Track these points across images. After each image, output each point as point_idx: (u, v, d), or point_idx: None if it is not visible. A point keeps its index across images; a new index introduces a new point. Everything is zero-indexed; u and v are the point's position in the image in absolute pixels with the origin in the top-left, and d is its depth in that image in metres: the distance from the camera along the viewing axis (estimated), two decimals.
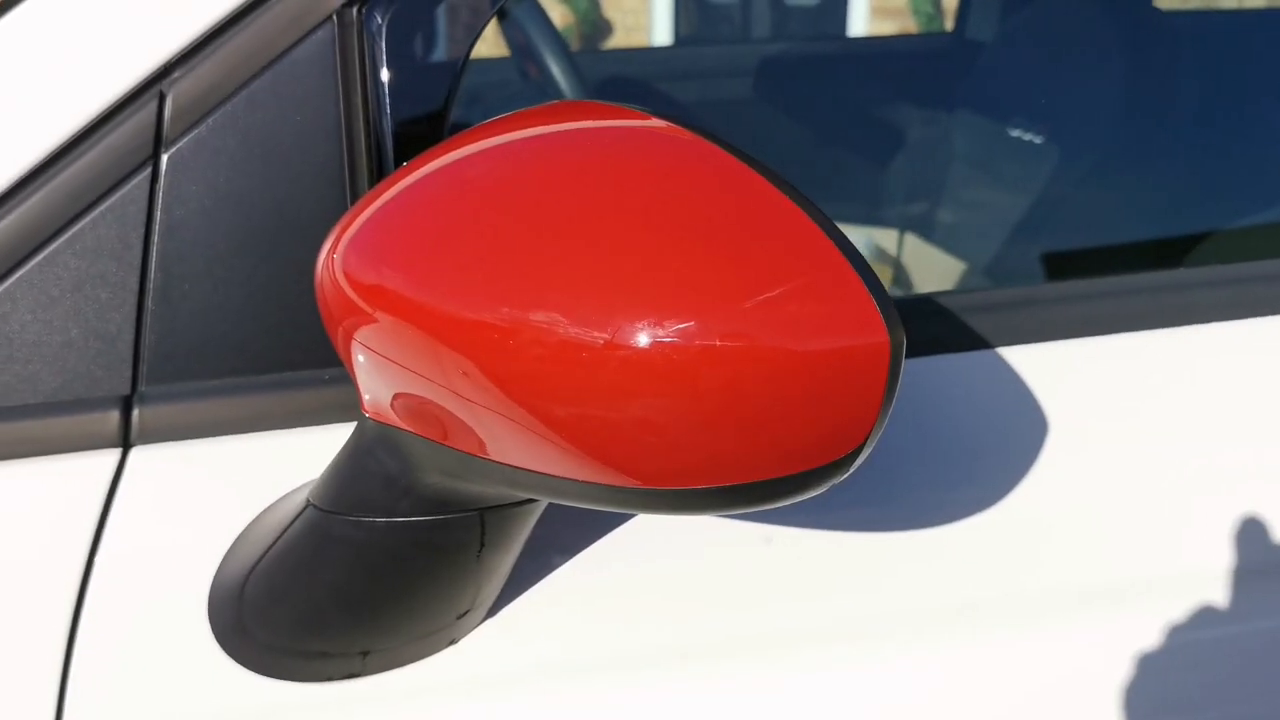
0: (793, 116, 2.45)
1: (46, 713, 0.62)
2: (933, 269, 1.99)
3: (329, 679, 0.65)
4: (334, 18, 0.68)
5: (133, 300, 0.66)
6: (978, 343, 0.76)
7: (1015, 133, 2.06)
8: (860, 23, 6.22)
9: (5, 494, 0.65)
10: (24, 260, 0.65)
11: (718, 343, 0.46)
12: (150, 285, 0.67)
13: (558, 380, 0.48)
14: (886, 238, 2.12)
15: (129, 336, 0.67)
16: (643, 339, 0.46)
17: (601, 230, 0.48)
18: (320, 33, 0.68)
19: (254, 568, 0.63)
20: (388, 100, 0.69)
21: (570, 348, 0.47)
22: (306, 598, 0.63)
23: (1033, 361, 0.75)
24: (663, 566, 0.69)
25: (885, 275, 1.92)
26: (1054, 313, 0.77)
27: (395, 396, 0.56)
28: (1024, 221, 1.87)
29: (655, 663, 0.67)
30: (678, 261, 0.46)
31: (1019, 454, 0.73)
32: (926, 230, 2.15)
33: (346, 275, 0.56)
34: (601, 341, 0.47)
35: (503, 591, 0.68)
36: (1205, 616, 0.71)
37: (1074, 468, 0.73)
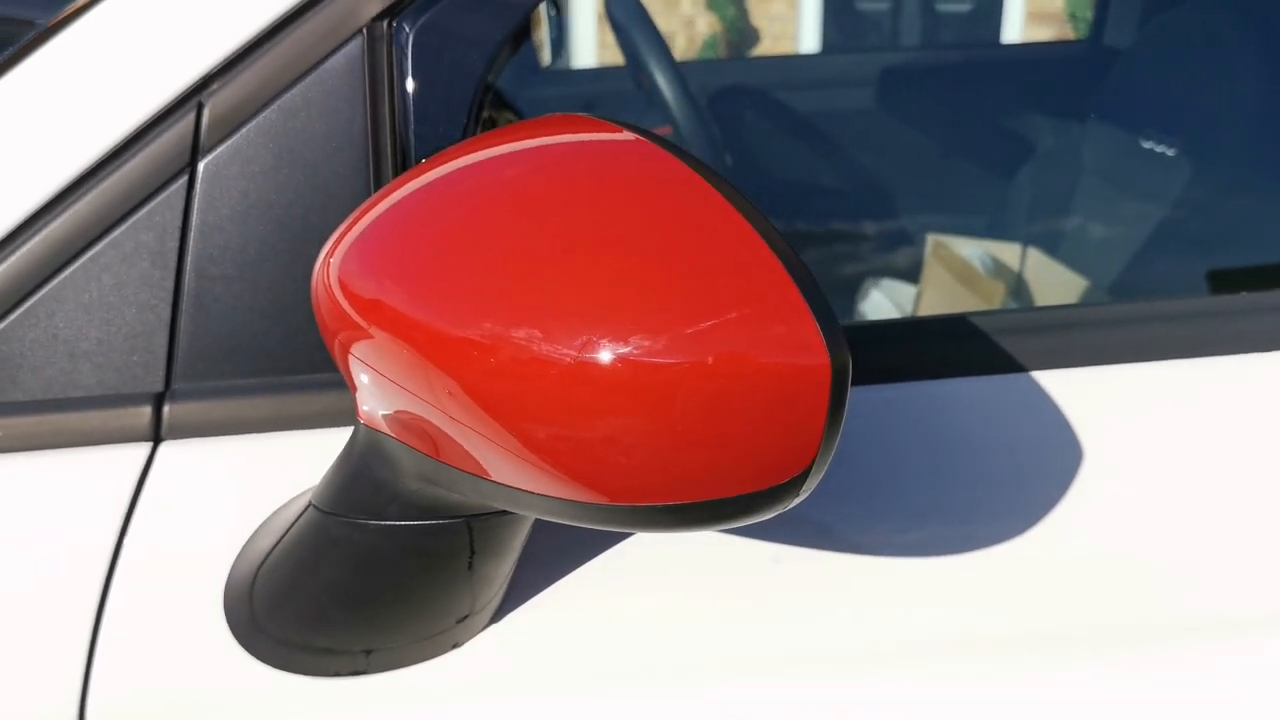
0: (918, 126, 2.40)
1: (73, 686, 0.65)
2: (1055, 285, 1.92)
3: (336, 674, 0.66)
4: (364, 31, 0.70)
5: (168, 301, 0.70)
6: (1019, 365, 0.73)
7: (1149, 144, 1.98)
8: (1015, 29, 6.04)
9: (44, 481, 0.68)
10: (70, 261, 0.69)
11: (658, 361, 0.45)
12: (185, 287, 0.70)
13: (499, 388, 0.49)
14: (1008, 252, 2.06)
15: (163, 336, 0.70)
16: (582, 355, 0.46)
17: (564, 249, 0.48)
18: (350, 45, 0.70)
19: (263, 563, 0.65)
20: (413, 110, 0.70)
21: (525, 364, 0.48)
22: (310, 595, 0.65)
23: (1076, 387, 0.72)
24: (670, 579, 0.69)
25: (999, 291, 1.87)
26: (1101, 336, 0.73)
27: (380, 410, 0.57)
28: (1154, 238, 1.80)
29: (658, 675, 0.67)
30: (622, 280, 0.46)
31: (1055, 482, 0.70)
32: (1051, 245, 2.08)
33: (341, 286, 0.57)
34: (561, 357, 0.47)
35: (508, 597, 0.69)
36: (1244, 663, 0.66)
37: (1111, 499, 0.69)
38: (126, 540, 0.67)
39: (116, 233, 0.69)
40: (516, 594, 0.69)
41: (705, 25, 6.49)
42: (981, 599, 0.68)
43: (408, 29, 0.70)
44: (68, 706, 0.65)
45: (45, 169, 0.69)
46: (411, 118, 0.70)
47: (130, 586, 0.67)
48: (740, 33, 6.52)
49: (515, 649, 0.68)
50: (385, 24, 0.70)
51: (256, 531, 0.68)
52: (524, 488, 0.52)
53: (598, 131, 0.53)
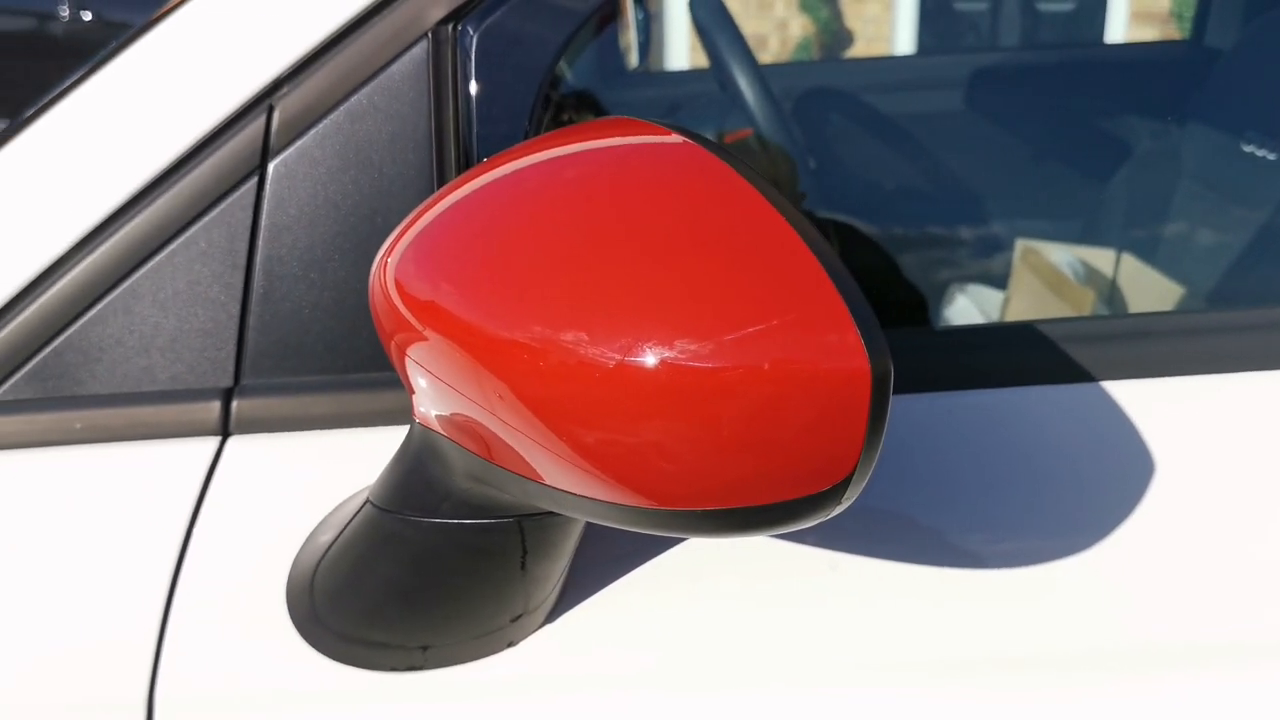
0: (1010, 129, 2.36)
1: (143, 672, 0.67)
2: (1149, 292, 1.87)
3: (393, 669, 0.67)
4: (429, 34, 0.71)
5: (238, 299, 0.71)
6: (1088, 375, 0.71)
7: (1251, 148, 1.92)
8: (1119, 29, 5.88)
9: (119, 473, 0.71)
10: (147, 258, 0.71)
11: (698, 365, 0.45)
12: (254, 286, 0.71)
13: (549, 391, 0.49)
14: (1101, 258, 2.01)
15: (233, 333, 0.71)
16: (625, 358, 0.46)
17: (608, 253, 0.49)
18: (416, 49, 0.71)
19: (323, 558, 0.67)
20: (476, 112, 0.71)
21: (570, 368, 0.48)
22: (367, 590, 0.66)
23: (1148, 398, 0.70)
24: (726, 584, 0.69)
25: (1088, 298, 1.82)
26: (1173, 346, 0.71)
27: (433, 410, 0.58)
28: (1254, 244, 1.74)
29: (710, 682, 0.66)
30: (664, 285, 0.46)
31: (1123, 498, 0.68)
32: (1146, 252, 2.02)
33: (396, 289, 0.58)
34: (605, 361, 0.47)
35: (564, 597, 0.69)
36: None
37: (1181, 515, 0.67)
38: (195, 532, 0.69)
39: (190, 231, 0.71)
40: (572, 594, 0.69)
41: (798, 28, 6.45)
42: (1041, 614, 0.66)
43: (472, 32, 0.71)
44: (138, 692, 0.67)
45: (126, 168, 0.72)
46: (475, 119, 0.71)
47: (198, 577, 0.69)
48: (834, 35, 6.46)
49: (569, 649, 0.68)
50: (450, 28, 0.71)
51: (318, 526, 0.69)
52: (569, 490, 0.52)
53: (647, 134, 0.53)
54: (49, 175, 0.72)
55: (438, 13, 0.71)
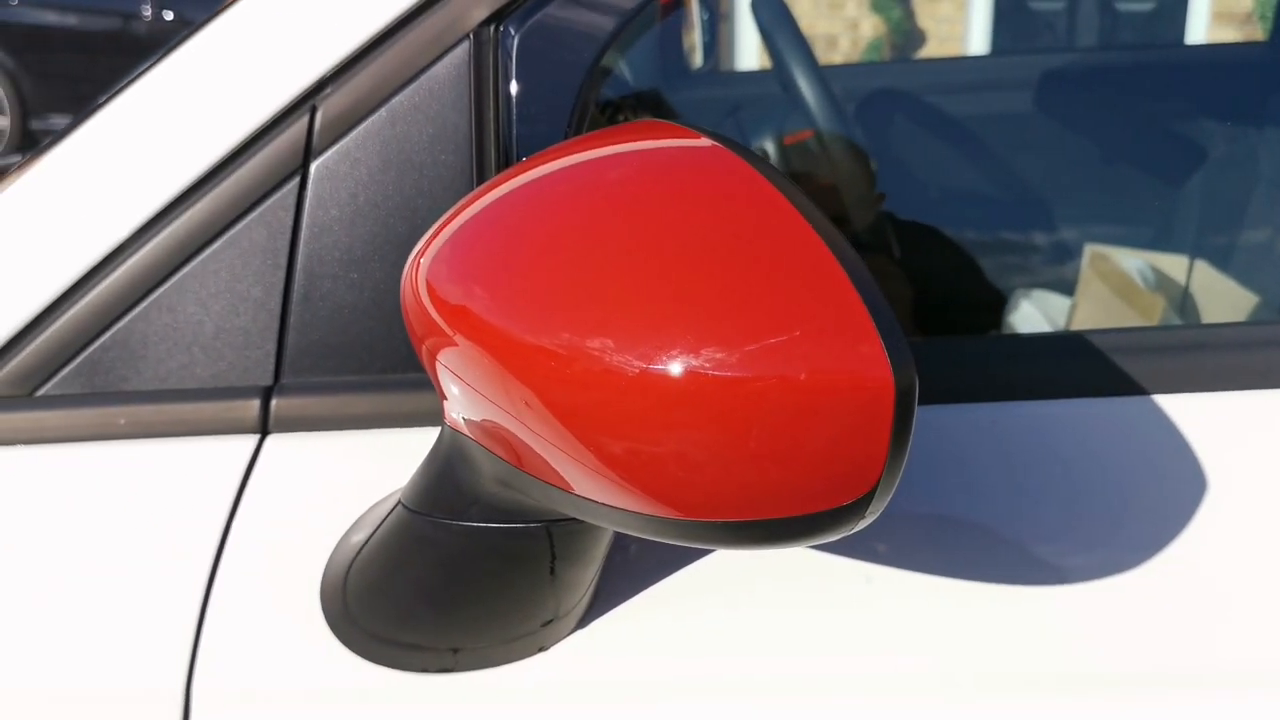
0: (1081, 131, 2.31)
1: (181, 664, 0.68)
2: (1223, 301, 1.82)
3: (424, 670, 0.67)
4: (471, 36, 0.71)
5: (279, 298, 0.72)
6: (1138, 388, 0.68)
7: None
8: (1200, 29, 5.73)
9: (160, 468, 0.71)
10: (191, 257, 0.72)
11: (718, 375, 0.44)
12: (295, 285, 0.72)
13: (574, 399, 0.48)
14: (1174, 265, 1.96)
15: (274, 332, 0.72)
16: (647, 367, 0.45)
17: (632, 258, 0.48)
18: (457, 50, 0.71)
19: (355, 558, 0.67)
20: (516, 113, 0.71)
21: (595, 375, 0.48)
22: (398, 591, 0.66)
23: (1200, 413, 0.67)
24: (760, 594, 0.68)
25: (1158, 306, 1.77)
26: (1229, 359, 0.68)
27: (462, 415, 0.58)
28: None
29: (742, 692, 0.65)
30: (685, 293, 0.46)
31: (1170, 515, 0.66)
32: (1221, 259, 1.97)
33: (427, 292, 0.58)
34: (627, 369, 0.47)
35: (596, 603, 0.68)
36: None
37: (1229, 537, 0.64)
38: (232, 528, 0.70)
39: (233, 231, 0.72)
40: (604, 601, 0.69)
41: (869, 28, 6.38)
42: (1081, 634, 0.64)
43: (513, 33, 0.71)
44: (176, 683, 0.67)
45: (174, 167, 0.73)
46: (515, 121, 0.71)
47: (235, 573, 0.69)
48: (905, 35, 6.38)
49: (601, 656, 0.67)
50: (491, 29, 0.71)
51: (353, 526, 0.69)
52: (593, 498, 0.51)
53: (677, 138, 0.52)
54: (98, 174, 0.74)
55: (480, 14, 0.71)
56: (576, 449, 0.50)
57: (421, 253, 0.59)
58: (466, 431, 0.59)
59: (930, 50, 6.40)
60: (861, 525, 0.47)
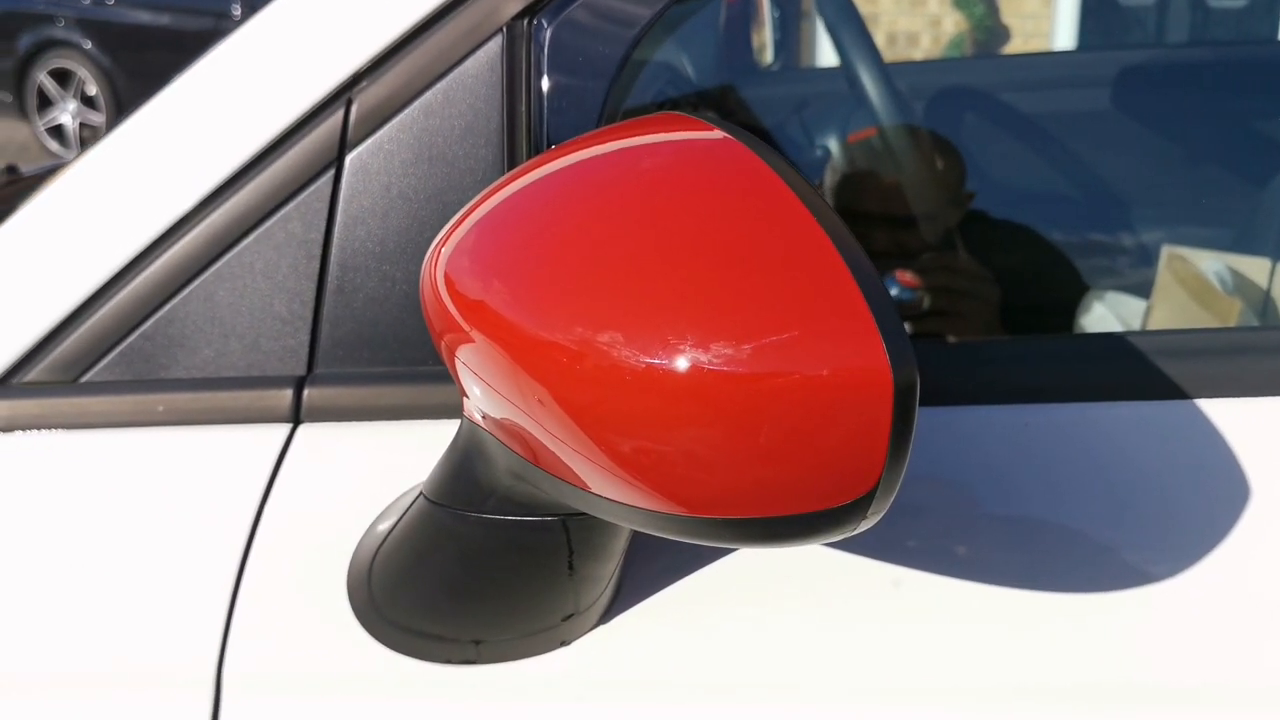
0: (1160, 129, 2.24)
1: (212, 648, 0.69)
2: None
3: (448, 661, 0.68)
4: (504, 29, 0.71)
5: (313, 289, 0.73)
6: (1180, 392, 0.66)
7: None
8: None
9: (193, 456, 0.73)
10: (229, 248, 0.73)
11: (717, 370, 0.44)
12: (329, 276, 0.72)
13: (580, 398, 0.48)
14: (1255, 267, 1.89)
15: (308, 322, 0.73)
16: (650, 363, 0.45)
17: (635, 253, 0.48)
18: (491, 43, 0.71)
19: (380, 548, 0.67)
20: (548, 106, 0.70)
21: (595, 371, 0.47)
22: (421, 582, 0.66)
23: (1244, 418, 0.65)
24: (784, 596, 0.67)
25: (1236, 310, 1.72)
26: (1276, 364, 0.65)
27: (477, 409, 0.58)
28: None
29: (764, 693, 0.65)
30: (686, 289, 0.45)
31: (1208, 524, 0.63)
32: None
33: (446, 287, 0.58)
34: (633, 364, 0.46)
35: (620, 599, 0.68)
36: None
37: (1267, 547, 0.62)
38: (263, 517, 0.71)
39: (270, 222, 0.73)
40: (627, 596, 0.68)
41: (951, 24, 6.29)
42: (1120, 643, 0.62)
43: (546, 26, 0.71)
44: (207, 668, 0.69)
45: (215, 158, 0.74)
46: (546, 114, 0.71)
47: (265, 560, 0.70)
48: (989, 31, 6.27)
49: (622, 652, 0.67)
50: (525, 22, 0.71)
51: (379, 516, 0.70)
52: (599, 493, 0.51)
53: (691, 130, 0.51)
54: (141, 168, 0.75)
55: (513, 7, 0.71)
56: (584, 444, 0.50)
57: (436, 251, 0.59)
58: (482, 424, 0.59)
59: (1014, 47, 6.28)
60: (864, 526, 0.46)
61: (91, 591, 0.70)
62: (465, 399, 0.60)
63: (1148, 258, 2.07)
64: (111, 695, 0.68)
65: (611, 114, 0.71)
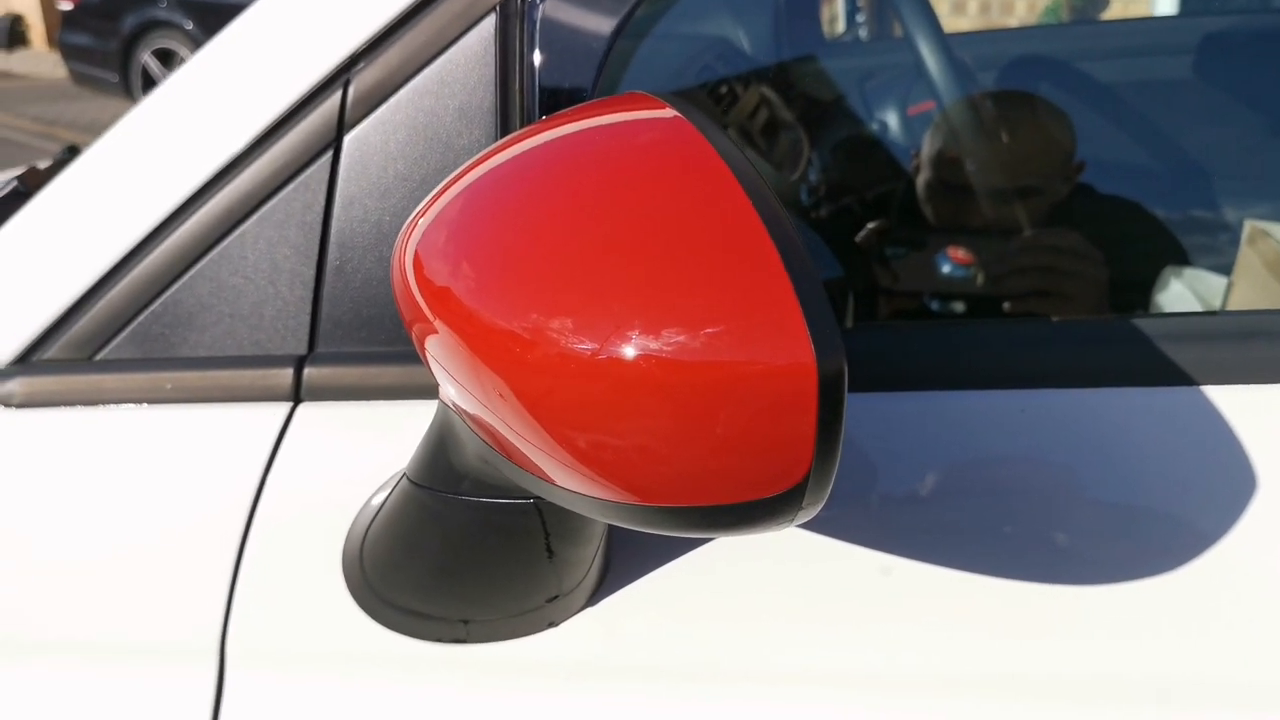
0: (1245, 99, 2.15)
1: (215, 621, 0.71)
2: None
3: (439, 640, 0.68)
4: (498, 8, 0.70)
5: (313, 269, 0.73)
6: (1186, 378, 0.63)
7: None
8: None
9: (198, 432, 0.74)
10: (233, 228, 0.74)
11: (654, 356, 0.43)
12: (328, 257, 0.73)
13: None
14: None
15: (308, 302, 0.74)
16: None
17: (572, 240, 0.47)
18: (485, 23, 0.70)
19: (370, 527, 0.68)
20: (540, 85, 0.70)
21: (552, 359, 0.47)
22: (406, 562, 0.67)
23: (1251, 405, 0.62)
24: (772, 579, 0.66)
25: None
26: None
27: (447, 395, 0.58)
28: None
29: (749, 674, 0.64)
30: (615, 275, 0.45)
31: (1211, 512, 0.61)
32: None
33: (414, 275, 0.57)
34: (581, 352, 0.46)
35: (607, 581, 0.68)
36: None
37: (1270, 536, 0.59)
38: (264, 493, 0.72)
39: (271, 203, 0.74)
40: (615, 578, 0.68)
41: None
42: (1115, 632, 0.60)
43: (539, 4, 0.70)
44: (210, 640, 0.70)
45: (218, 141, 0.75)
46: (539, 92, 0.70)
47: (266, 535, 0.71)
48: None
49: (610, 632, 0.67)
50: (518, 1, 0.70)
51: (373, 495, 0.71)
52: (544, 476, 0.51)
53: (646, 110, 0.50)
54: (148, 152, 0.76)
55: None
56: (536, 431, 0.49)
57: (405, 236, 0.59)
58: (452, 408, 0.59)
59: (1114, 13, 6.06)
60: (803, 517, 0.45)
61: (99, 563, 0.72)
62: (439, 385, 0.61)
63: (1229, 233, 1.99)
64: (120, 667, 0.70)
65: (605, 91, 0.70)
